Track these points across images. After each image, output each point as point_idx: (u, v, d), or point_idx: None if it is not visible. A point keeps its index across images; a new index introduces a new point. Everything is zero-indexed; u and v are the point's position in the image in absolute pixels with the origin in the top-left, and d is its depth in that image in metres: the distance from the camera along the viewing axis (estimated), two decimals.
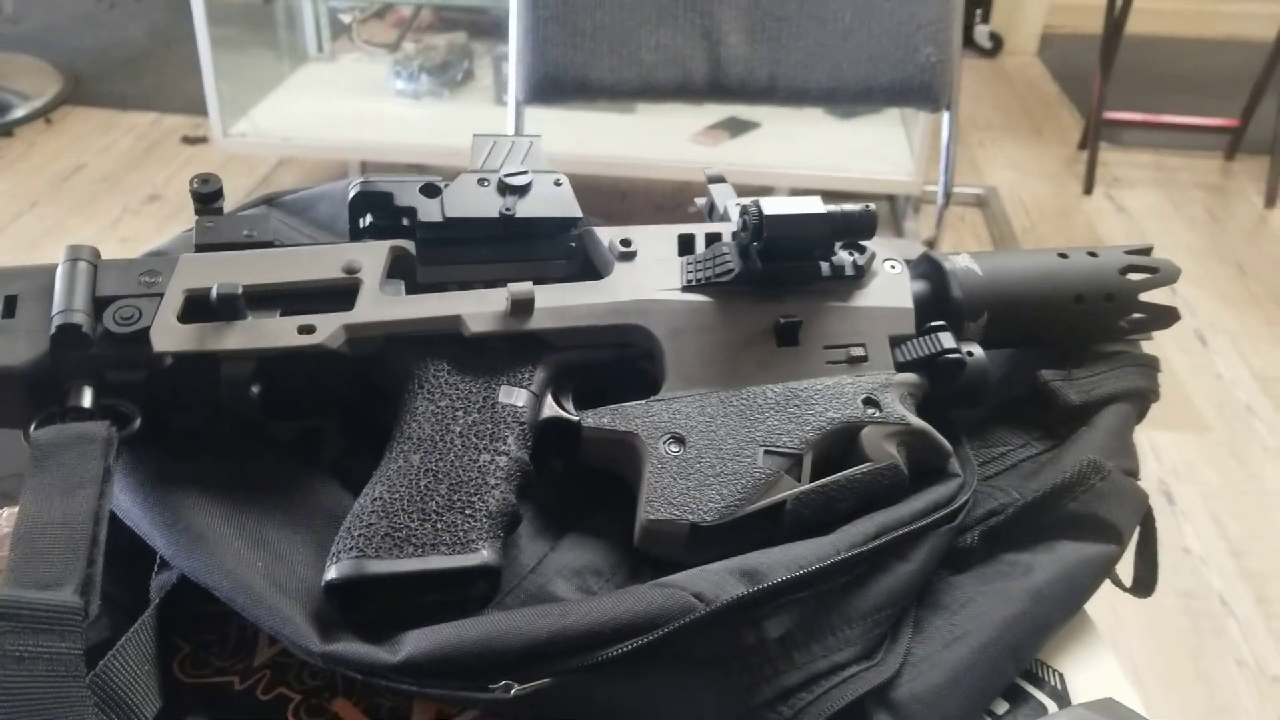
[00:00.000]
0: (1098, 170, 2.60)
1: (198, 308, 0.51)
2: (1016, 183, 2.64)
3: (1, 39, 3.04)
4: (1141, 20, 2.59)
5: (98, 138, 2.70)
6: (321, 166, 2.55)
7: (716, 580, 0.44)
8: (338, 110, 2.38)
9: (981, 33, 3.35)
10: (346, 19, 2.65)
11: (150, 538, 0.48)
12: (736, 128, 2.28)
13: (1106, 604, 0.54)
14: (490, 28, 2.54)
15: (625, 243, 0.57)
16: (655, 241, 0.58)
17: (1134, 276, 0.61)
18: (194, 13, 2.12)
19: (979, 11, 3.32)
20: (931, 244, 1.59)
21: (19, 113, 2.75)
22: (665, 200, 2.47)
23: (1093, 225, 2.47)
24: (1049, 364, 0.60)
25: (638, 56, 1.40)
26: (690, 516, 0.48)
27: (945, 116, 1.44)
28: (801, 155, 2.18)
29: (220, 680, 0.48)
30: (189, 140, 2.68)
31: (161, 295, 0.51)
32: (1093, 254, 0.61)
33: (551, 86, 1.40)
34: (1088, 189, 2.60)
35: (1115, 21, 2.49)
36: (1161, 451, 1.80)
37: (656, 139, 2.23)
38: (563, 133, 2.13)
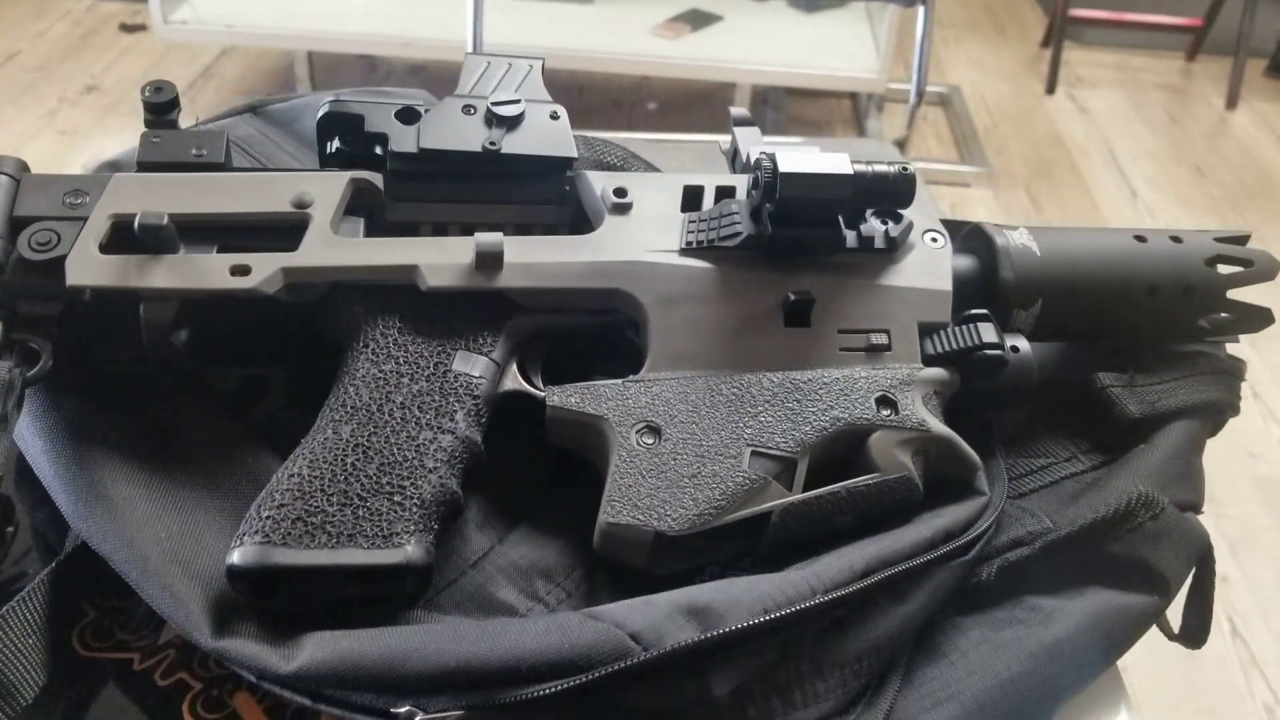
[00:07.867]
0: (1060, 70, 2.56)
1: (125, 237, 0.45)
2: (979, 82, 2.58)
3: None
4: None
5: (31, 24, 2.55)
6: (267, 56, 2.41)
7: (659, 621, 0.37)
8: None
9: None
10: None
11: (54, 492, 0.43)
12: (698, 20, 2.18)
13: None
14: None
15: (620, 192, 0.49)
16: (655, 192, 0.50)
17: (1222, 269, 0.52)
18: None
19: None
20: (902, 144, 1.54)
21: None
22: (624, 95, 2.36)
23: (1054, 125, 2.42)
24: (1108, 365, 0.52)
25: None
26: (655, 523, 0.41)
27: (920, 10, 1.33)
28: (765, 50, 2.10)
29: (120, 657, 0.43)
30: (126, 28, 2.53)
31: (85, 220, 0.45)
32: (1176, 239, 0.52)
33: None
34: (1050, 88, 2.55)
35: None
36: None
37: (615, 31, 2.13)
38: (517, 24, 2.04)
